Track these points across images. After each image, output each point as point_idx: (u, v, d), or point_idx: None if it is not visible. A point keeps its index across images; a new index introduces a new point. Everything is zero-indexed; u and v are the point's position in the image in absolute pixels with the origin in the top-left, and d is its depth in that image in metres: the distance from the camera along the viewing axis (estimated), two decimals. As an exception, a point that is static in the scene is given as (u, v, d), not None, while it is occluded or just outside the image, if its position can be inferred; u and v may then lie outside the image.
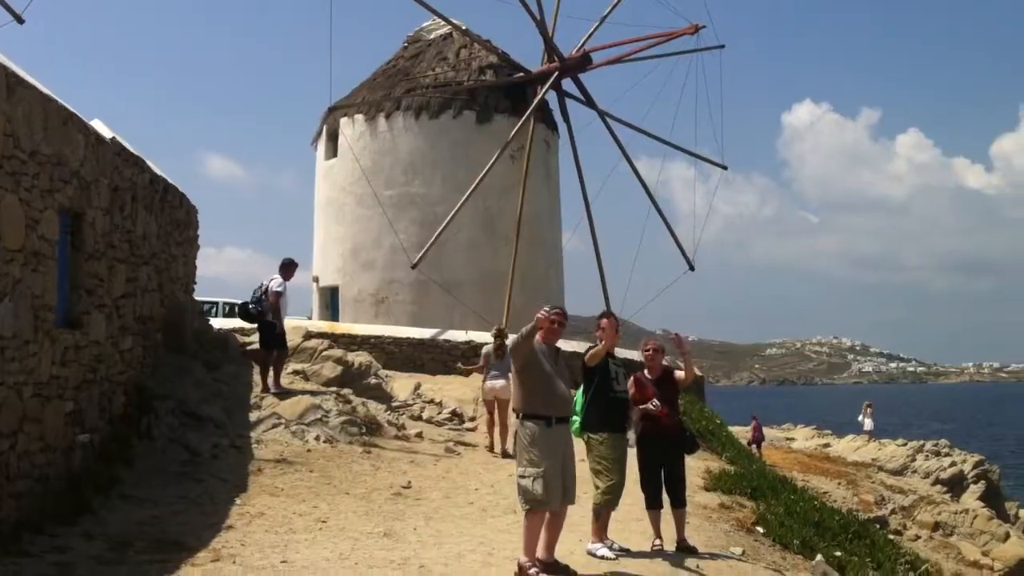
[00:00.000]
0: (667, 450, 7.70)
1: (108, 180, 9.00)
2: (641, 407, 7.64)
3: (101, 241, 8.87)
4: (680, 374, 7.92)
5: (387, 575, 6.49)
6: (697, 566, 7.16)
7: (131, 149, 9.93)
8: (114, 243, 9.29)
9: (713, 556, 7.60)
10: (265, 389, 12.20)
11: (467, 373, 14.10)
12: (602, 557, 7.06)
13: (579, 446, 7.13)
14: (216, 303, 24.59)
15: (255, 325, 12.97)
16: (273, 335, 12.50)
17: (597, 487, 7.28)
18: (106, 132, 9.16)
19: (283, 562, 6.65)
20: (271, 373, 12.40)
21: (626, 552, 7.36)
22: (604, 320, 7.61)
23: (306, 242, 25.93)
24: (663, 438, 7.64)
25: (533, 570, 6.29)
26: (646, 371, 7.90)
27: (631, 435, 7.77)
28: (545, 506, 6.33)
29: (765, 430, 35.18)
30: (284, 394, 12.12)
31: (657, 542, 7.60)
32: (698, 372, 26.80)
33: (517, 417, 6.69)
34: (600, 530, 7.29)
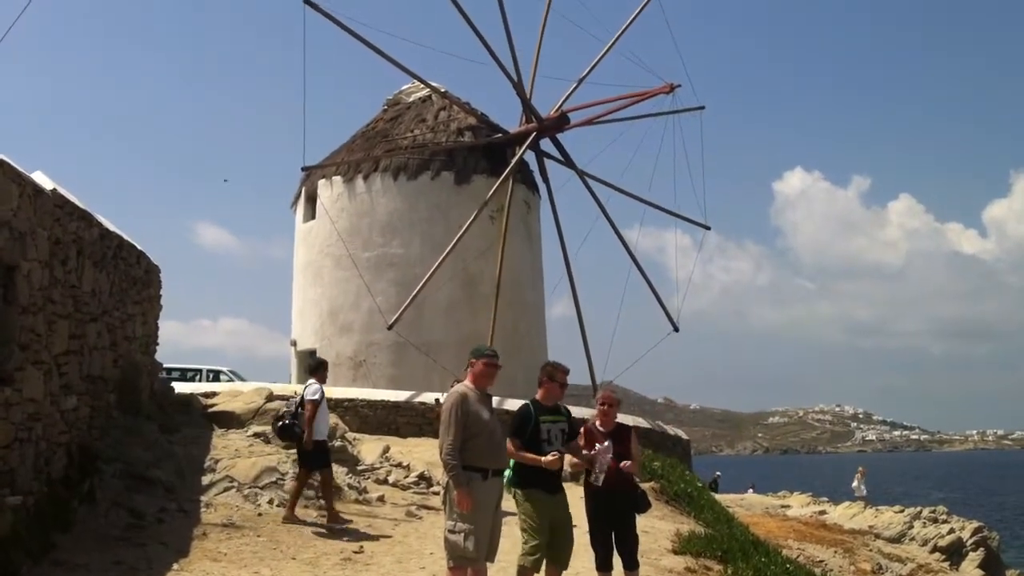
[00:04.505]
0: (617, 508, 7.30)
1: (48, 232, 8.73)
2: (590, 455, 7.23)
3: (38, 295, 8.55)
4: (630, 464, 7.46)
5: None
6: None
7: (77, 202, 9.68)
8: (54, 298, 8.97)
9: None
10: (291, 518, 10.35)
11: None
12: None
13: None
14: (200, 370, 24.99)
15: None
16: (309, 451, 10.49)
17: (523, 546, 6.84)
18: (47, 183, 8.92)
19: (201, 629, 6.23)
20: (301, 497, 10.76)
21: (573, 616, 6.94)
22: (562, 374, 7.22)
23: (288, 307, 25.80)
24: (612, 494, 7.24)
25: (464, 633, 5.90)
26: (598, 423, 7.52)
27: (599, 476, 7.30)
28: (473, 563, 5.96)
29: (760, 497, 34.57)
30: (338, 531, 10.25)
31: (609, 607, 7.17)
32: (681, 434, 26.34)
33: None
34: None
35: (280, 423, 10.53)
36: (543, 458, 6.62)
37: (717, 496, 22.57)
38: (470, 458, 6.15)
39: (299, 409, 10.48)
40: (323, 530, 10.18)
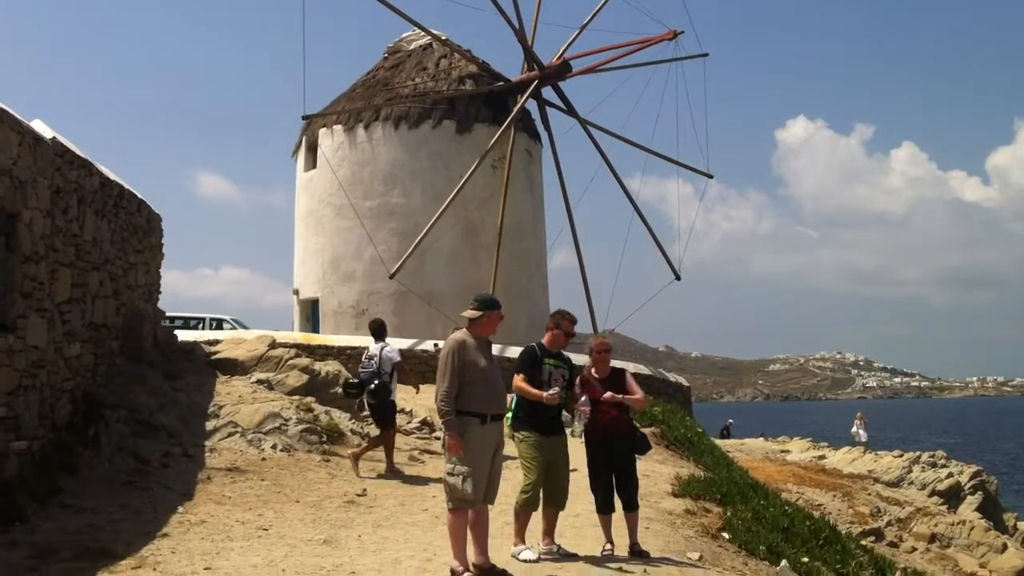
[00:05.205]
0: (616, 451, 7.39)
1: (48, 181, 8.73)
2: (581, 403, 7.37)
3: (40, 243, 8.57)
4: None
5: (314, 581, 6.21)
6: (645, 571, 6.83)
7: (77, 151, 9.66)
8: (56, 246, 8.99)
9: (665, 561, 7.27)
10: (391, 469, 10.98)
11: None
12: (524, 560, 6.76)
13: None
14: (203, 318, 25.26)
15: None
16: (393, 412, 11.35)
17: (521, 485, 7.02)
18: (46, 132, 8.89)
19: (207, 569, 6.37)
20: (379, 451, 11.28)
21: (573, 556, 7.06)
22: (568, 324, 7.38)
23: (291, 256, 25.86)
24: (611, 438, 7.32)
25: (467, 575, 6.02)
26: (593, 371, 7.59)
27: (577, 427, 7.54)
28: (471, 506, 6.08)
29: (760, 442, 34.85)
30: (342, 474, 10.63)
31: (608, 547, 7.28)
32: (682, 381, 26.52)
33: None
34: (521, 531, 7.03)
35: (372, 385, 10.90)
36: (544, 393, 6.82)
37: (717, 442, 22.77)
38: (468, 403, 6.23)
39: (380, 370, 10.92)
40: (328, 475, 10.32)
